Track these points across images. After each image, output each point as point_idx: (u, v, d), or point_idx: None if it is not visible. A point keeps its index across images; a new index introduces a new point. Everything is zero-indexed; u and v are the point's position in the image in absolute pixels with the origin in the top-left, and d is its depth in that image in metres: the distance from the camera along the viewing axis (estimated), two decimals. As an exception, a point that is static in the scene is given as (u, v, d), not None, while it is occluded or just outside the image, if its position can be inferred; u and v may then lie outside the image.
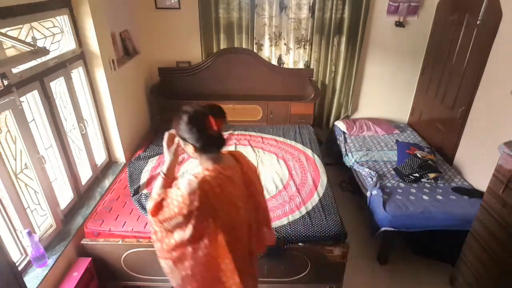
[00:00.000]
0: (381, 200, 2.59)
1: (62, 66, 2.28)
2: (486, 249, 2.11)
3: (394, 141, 3.57)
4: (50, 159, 2.20)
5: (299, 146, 3.33)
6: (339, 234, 2.21)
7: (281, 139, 3.47)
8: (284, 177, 2.81)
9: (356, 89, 4.00)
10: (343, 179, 3.85)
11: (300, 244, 2.20)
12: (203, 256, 1.34)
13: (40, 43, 2.01)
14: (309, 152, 3.20)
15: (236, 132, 3.58)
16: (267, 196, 2.56)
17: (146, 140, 3.44)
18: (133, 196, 2.52)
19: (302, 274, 2.32)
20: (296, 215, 2.36)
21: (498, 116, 2.59)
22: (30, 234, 1.81)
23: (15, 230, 1.83)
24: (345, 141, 3.67)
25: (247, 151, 3.21)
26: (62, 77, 2.30)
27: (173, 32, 3.69)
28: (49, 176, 2.12)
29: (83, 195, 2.53)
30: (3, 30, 1.74)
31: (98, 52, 2.57)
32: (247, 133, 3.58)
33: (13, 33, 1.87)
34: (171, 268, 1.42)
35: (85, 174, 2.60)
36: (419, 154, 3.07)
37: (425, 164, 2.91)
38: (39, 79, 2.05)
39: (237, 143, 3.37)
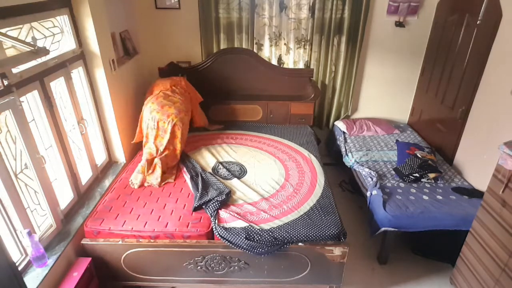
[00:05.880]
0: (381, 200, 2.59)
1: (62, 66, 2.28)
2: (486, 249, 2.11)
3: (394, 141, 3.57)
4: (50, 159, 2.20)
5: (296, 146, 3.33)
6: (339, 234, 2.21)
7: (278, 139, 3.47)
8: (281, 177, 2.81)
9: (356, 89, 4.00)
10: (343, 179, 3.85)
11: (300, 244, 2.20)
12: None
13: (40, 43, 2.01)
14: (305, 152, 3.20)
15: (233, 132, 3.59)
16: (265, 195, 2.57)
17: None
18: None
19: (302, 274, 2.32)
20: (295, 215, 2.36)
21: (498, 116, 2.59)
22: (30, 234, 1.81)
23: (15, 230, 1.83)
24: (345, 141, 3.67)
25: (244, 151, 3.22)
26: (62, 77, 2.30)
27: (173, 32, 3.69)
28: (49, 176, 2.12)
29: (83, 195, 2.54)
30: (3, 30, 1.74)
31: (98, 52, 2.57)
32: (244, 132, 3.59)
33: (13, 33, 1.87)
34: None
35: (85, 174, 2.60)
36: (419, 154, 3.07)
37: (425, 164, 2.91)
38: (39, 79, 2.05)
39: (233, 142, 3.37)
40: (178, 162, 2.96)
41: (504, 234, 1.95)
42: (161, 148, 2.86)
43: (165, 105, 2.91)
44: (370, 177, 2.94)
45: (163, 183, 2.71)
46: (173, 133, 2.87)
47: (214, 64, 3.69)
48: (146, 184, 2.69)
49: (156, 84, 3.22)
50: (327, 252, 2.21)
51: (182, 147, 2.99)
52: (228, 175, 2.81)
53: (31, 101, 2.03)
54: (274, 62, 3.86)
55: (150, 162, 2.79)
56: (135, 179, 2.70)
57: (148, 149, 2.88)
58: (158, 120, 2.85)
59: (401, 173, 2.93)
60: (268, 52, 3.84)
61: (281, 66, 3.87)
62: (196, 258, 2.27)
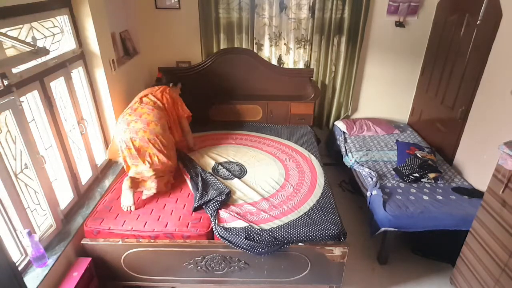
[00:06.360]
0: (381, 200, 2.59)
1: (62, 66, 2.28)
2: (486, 249, 2.11)
3: (394, 141, 3.57)
4: (50, 159, 2.20)
5: (296, 146, 3.33)
6: (339, 234, 2.21)
7: (278, 139, 3.47)
8: (281, 177, 2.81)
9: (356, 89, 4.00)
10: (343, 179, 3.85)
11: (300, 244, 2.20)
12: None
13: (40, 43, 2.01)
14: (305, 152, 3.21)
15: (233, 132, 3.58)
16: (265, 195, 2.57)
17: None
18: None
19: (302, 274, 2.32)
20: (295, 215, 2.36)
21: (498, 116, 2.59)
22: (30, 234, 1.81)
23: (15, 230, 1.83)
24: (345, 141, 3.67)
25: (244, 151, 3.22)
26: (62, 77, 2.30)
27: (173, 32, 3.69)
28: (49, 176, 2.12)
29: (83, 195, 2.53)
30: (3, 30, 1.74)
31: (98, 52, 2.57)
32: (244, 132, 3.59)
33: (13, 33, 1.87)
34: None
35: (85, 174, 2.60)
36: (419, 154, 3.07)
37: (425, 164, 2.91)
38: (39, 79, 2.05)
39: (233, 143, 3.37)
40: (177, 164, 2.85)
41: (504, 234, 1.95)
42: (146, 174, 2.52)
43: (131, 122, 2.52)
44: (370, 177, 2.93)
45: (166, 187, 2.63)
46: (153, 148, 2.53)
47: (214, 64, 3.69)
48: (144, 196, 2.53)
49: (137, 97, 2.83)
50: (327, 252, 2.21)
51: (173, 156, 2.71)
52: (228, 175, 2.81)
53: (31, 101, 2.03)
54: (274, 62, 3.86)
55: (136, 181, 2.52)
56: (128, 201, 2.39)
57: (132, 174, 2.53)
58: (129, 140, 2.49)
59: (401, 173, 2.93)
60: (268, 52, 3.84)
61: (281, 66, 3.87)
62: (196, 258, 2.27)
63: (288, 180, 2.77)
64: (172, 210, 2.42)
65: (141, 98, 2.76)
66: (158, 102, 2.77)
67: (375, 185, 2.78)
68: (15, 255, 1.86)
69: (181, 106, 3.00)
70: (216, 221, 2.26)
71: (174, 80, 3.13)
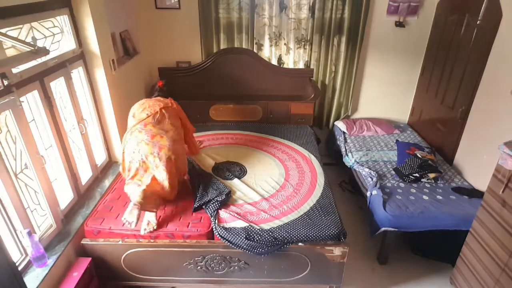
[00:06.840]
0: (381, 200, 2.59)
1: (62, 66, 2.28)
2: (486, 249, 2.11)
3: (394, 141, 3.57)
4: (50, 159, 2.20)
5: (296, 146, 3.33)
6: (339, 234, 2.21)
7: (278, 139, 3.47)
8: (281, 177, 2.81)
9: (356, 89, 4.00)
10: (343, 179, 3.85)
11: (300, 244, 2.20)
12: None
13: (40, 43, 2.01)
14: (305, 152, 3.20)
15: (233, 132, 3.58)
16: (265, 195, 2.57)
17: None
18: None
19: (302, 274, 2.32)
20: (295, 215, 2.36)
21: (498, 116, 2.59)
22: (30, 234, 1.81)
23: (15, 230, 1.83)
24: (345, 141, 3.67)
25: (244, 151, 3.21)
26: (62, 77, 2.30)
27: (173, 32, 3.70)
28: (49, 176, 2.12)
29: (83, 195, 2.54)
30: (3, 30, 1.74)
31: (98, 52, 2.57)
32: (244, 132, 3.58)
33: (13, 33, 1.87)
34: None
35: (85, 174, 2.60)
36: (419, 154, 3.07)
37: (425, 164, 2.91)
38: (39, 79, 2.05)
39: (233, 143, 3.37)
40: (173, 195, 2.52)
41: (504, 234, 1.95)
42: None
43: (156, 135, 2.33)
44: (370, 177, 2.94)
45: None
46: (168, 169, 2.33)
47: (214, 64, 3.69)
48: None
49: (140, 105, 2.48)
50: (327, 252, 2.21)
51: (176, 185, 2.47)
52: (228, 175, 2.81)
53: (31, 101, 2.03)
54: (274, 62, 3.86)
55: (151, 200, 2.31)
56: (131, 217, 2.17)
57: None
58: (147, 155, 2.30)
59: (401, 173, 2.93)
60: (268, 52, 3.84)
61: (281, 66, 3.87)
62: (196, 258, 2.27)
63: (288, 180, 2.77)
64: (172, 210, 2.42)
65: (160, 109, 2.43)
66: (176, 116, 2.56)
67: (375, 185, 2.78)
68: (15, 255, 1.87)
69: (187, 121, 2.75)
70: (216, 221, 2.26)
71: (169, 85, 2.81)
